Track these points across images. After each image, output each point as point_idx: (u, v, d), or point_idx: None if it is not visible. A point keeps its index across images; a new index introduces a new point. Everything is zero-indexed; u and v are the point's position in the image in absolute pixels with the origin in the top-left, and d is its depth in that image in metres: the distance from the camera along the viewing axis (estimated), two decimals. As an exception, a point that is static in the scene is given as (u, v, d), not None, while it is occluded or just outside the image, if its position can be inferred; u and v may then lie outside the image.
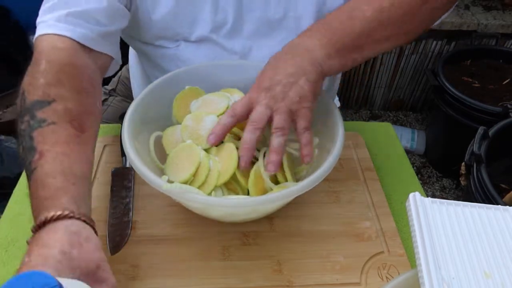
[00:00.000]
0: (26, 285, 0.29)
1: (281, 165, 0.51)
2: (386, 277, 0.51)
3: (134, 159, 0.47)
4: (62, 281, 0.31)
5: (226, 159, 0.51)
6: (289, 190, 0.45)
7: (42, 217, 0.38)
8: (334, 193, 0.61)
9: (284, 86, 0.49)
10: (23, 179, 0.63)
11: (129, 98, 0.92)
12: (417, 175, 0.97)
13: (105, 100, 0.91)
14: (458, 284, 0.32)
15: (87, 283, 0.36)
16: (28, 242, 0.39)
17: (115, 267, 0.50)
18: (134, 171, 0.63)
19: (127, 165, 0.63)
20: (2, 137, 1.53)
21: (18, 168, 1.48)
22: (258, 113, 0.48)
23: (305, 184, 0.46)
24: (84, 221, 0.40)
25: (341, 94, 2.08)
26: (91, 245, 0.39)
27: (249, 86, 0.52)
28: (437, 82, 1.56)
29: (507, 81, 1.62)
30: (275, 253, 0.53)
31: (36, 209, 0.41)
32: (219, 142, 0.51)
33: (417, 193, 0.39)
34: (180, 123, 0.57)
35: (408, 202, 0.39)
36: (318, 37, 0.52)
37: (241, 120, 0.50)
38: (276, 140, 0.48)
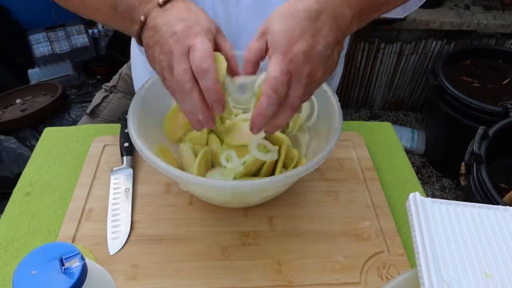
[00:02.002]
0: (54, 253, 0.32)
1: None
2: (386, 277, 0.51)
3: (167, 168, 0.46)
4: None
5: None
6: (313, 162, 0.46)
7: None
8: (334, 193, 0.61)
9: (323, 60, 0.43)
10: (22, 179, 0.63)
11: (129, 94, 0.93)
12: (417, 175, 0.97)
13: (105, 97, 0.91)
14: (458, 284, 0.32)
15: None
16: (144, 21, 0.47)
17: (114, 267, 0.50)
18: (134, 170, 0.63)
19: (127, 165, 0.63)
20: (2, 137, 1.53)
21: (18, 168, 1.48)
22: (298, 96, 0.43)
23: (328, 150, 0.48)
24: None
25: (341, 94, 2.08)
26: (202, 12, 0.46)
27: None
28: (437, 82, 1.56)
29: (506, 81, 1.62)
30: (275, 253, 0.53)
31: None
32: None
33: (417, 193, 0.39)
34: (171, 139, 0.58)
35: (408, 202, 0.39)
36: None
37: None
38: (283, 120, 0.44)
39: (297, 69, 0.42)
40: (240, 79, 0.48)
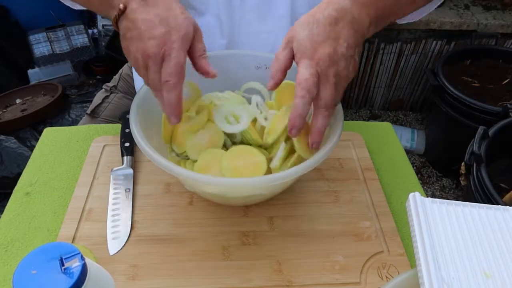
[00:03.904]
0: (53, 253, 0.32)
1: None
2: (386, 277, 0.51)
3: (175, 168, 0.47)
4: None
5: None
6: (320, 154, 0.47)
7: None
8: (334, 193, 0.61)
9: (346, 60, 0.47)
10: (22, 179, 0.63)
11: (130, 94, 0.93)
12: (417, 175, 0.97)
13: (106, 97, 0.91)
14: (458, 284, 0.32)
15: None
16: (123, 10, 0.47)
17: (115, 267, 0.50)
18: (134, 170, 0.63)
19: (127, 165, 0.63)
20: (2, 137, 1.53)
21: (18, 168, 1.48)
22: (329, 95, 0.46)
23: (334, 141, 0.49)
24: None
25: (341, 94, 2.07)
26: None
27: (245, 76, 0.55)
28: (437, 82, 1.56)
29: (506, 81, 1.62)
30: (275, 253, 0.53)
31: None
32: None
33: (417, 193, 0.39)
34: (166, 143, 0.58)
35: (408, 202, 0.39)
36: (365, 4, 0.50)
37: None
38: (323, 121, 0.47)
39: (324, 70, 0.45)
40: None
